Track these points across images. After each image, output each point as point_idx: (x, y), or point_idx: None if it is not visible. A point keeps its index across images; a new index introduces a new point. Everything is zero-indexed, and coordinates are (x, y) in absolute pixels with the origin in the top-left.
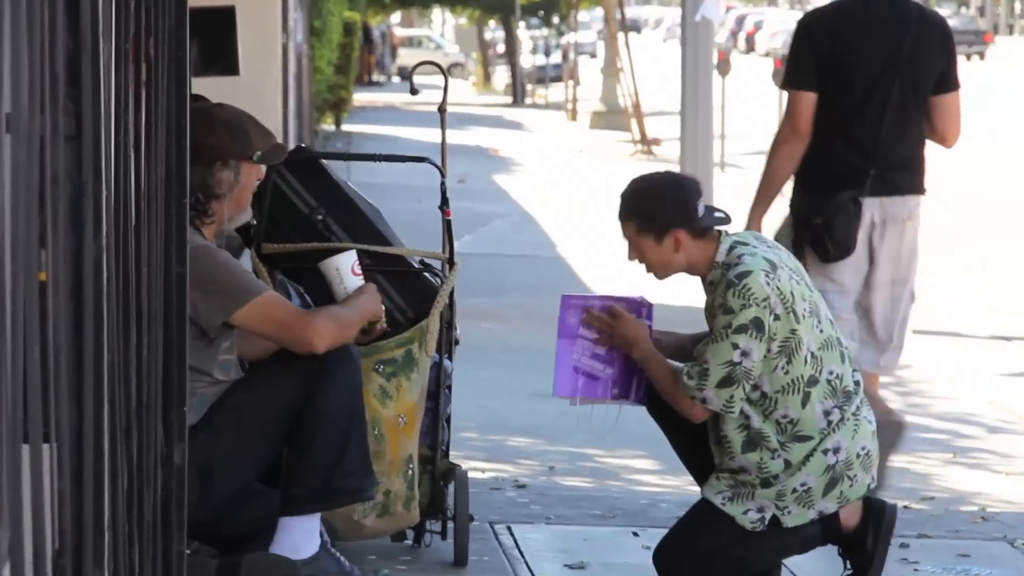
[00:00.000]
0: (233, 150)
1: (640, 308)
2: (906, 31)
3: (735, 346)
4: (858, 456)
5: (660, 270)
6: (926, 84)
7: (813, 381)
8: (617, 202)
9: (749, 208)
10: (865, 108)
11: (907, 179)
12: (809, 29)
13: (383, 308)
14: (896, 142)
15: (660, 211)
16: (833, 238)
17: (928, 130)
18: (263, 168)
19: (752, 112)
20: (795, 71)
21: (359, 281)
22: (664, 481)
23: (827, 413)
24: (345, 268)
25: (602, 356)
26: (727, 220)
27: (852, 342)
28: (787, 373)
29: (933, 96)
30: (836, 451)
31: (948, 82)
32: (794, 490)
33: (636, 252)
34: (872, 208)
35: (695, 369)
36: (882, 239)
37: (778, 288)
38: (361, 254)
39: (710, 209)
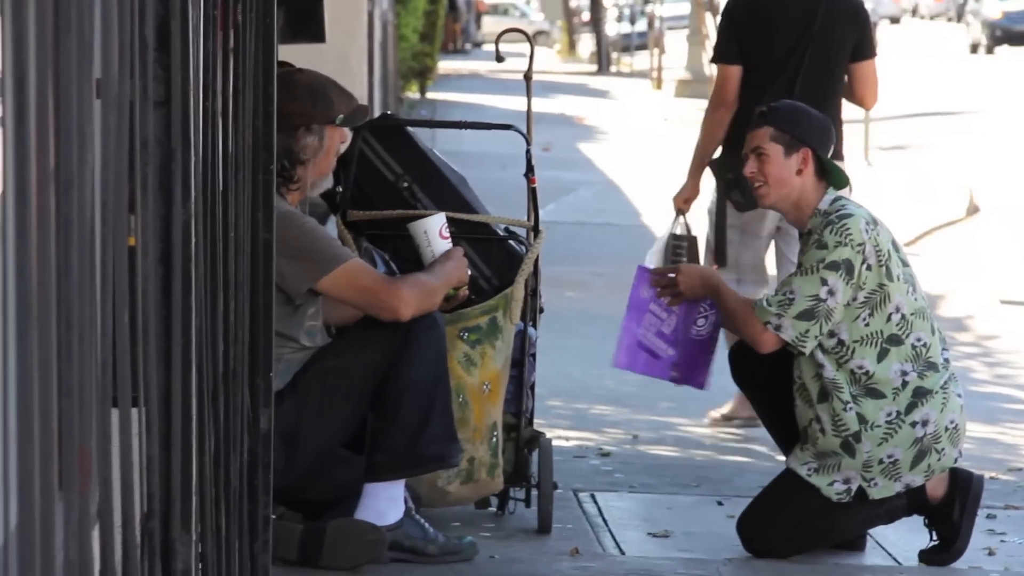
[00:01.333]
0: (316, 115)
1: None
2: (818, 6)
3: (824, 281)
4: (946, 430)
5: (773, 187)
6: (840, 53)
7: (896, 340)
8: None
9: (688, 171)
10: (780, 75)
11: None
12: (731, 10)
13: (469, 273)
14: (809, 103)
15: (804, 124)
16: (743, 190)
17: (849, 94)
18: (346, 131)
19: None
20: (721, 47)
21: (447, 244)
22: (749, 450)
23: (904, 374)
24: (433, 231)
25: (667, 336)
26: (847, 179)
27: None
28: (867, 325)
29: (851, 64)
30: (924, 424)
31: (864, 51)
32: (881, 461)
33: (758, 163)
34: None
35: (776, 297)
36: None
37: (876, 240)
38: (448, 230)
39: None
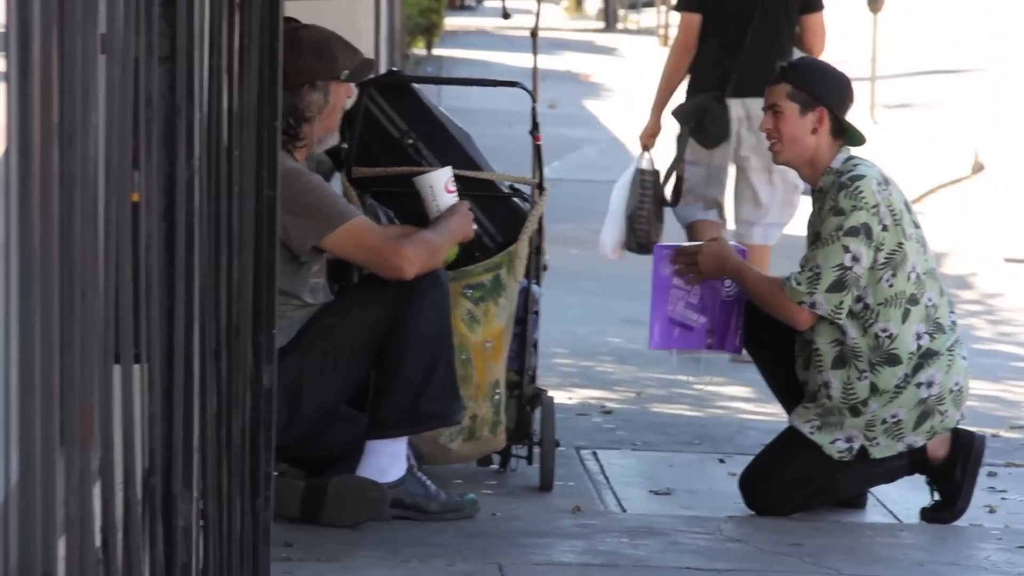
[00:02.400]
0: (320, 71)
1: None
2: None
3: (846, 249)
4: (951, 391)
5: (789, 144)
6: (790, 5)
7: (914, 300)
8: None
9: (650, 109)
10: (732, 24)
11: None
12: None
13: (474, 228)
14: (758, 52)
15: (821, 83)
16: (705, 131)
17: (799, 43)
18: (352, 86)
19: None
20: None
21: (453, 199)
22: (751, 408)
23: (919, 336)
24: (439, 185)
25: (696, 306)
26: (863, 139)
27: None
28: (891, 286)
29: (800, 16)
30: (929, 385)
31: (812, 4)
32: (884, 421)
33: (774, 120)
34: (736, 106)
35: (803, 275)
36: (749, 131)
37: (889, 200)
38: (455, 184)
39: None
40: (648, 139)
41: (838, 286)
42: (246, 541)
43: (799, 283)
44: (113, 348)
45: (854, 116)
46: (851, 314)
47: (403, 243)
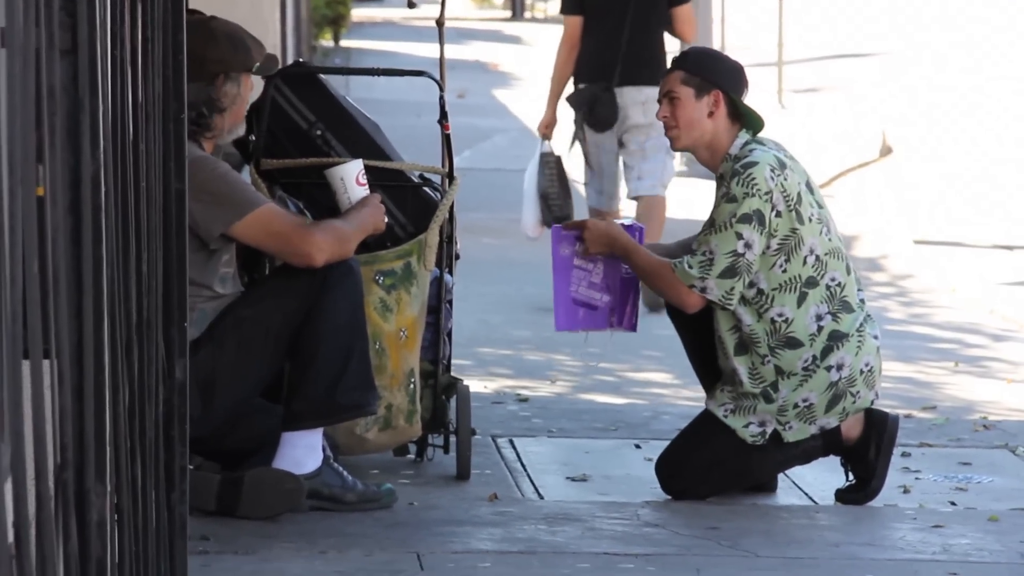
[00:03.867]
0: (235, 62)
1: (632, 231)
2: None
3: (739, 236)
4: (861, 372)
5: (684, 130)
6: (659, 1)
7: (812, 282)
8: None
9: (546, 102)
10: (610, 21)
11: (646, 73)
12: None
13: (385, 220)
14: (636, 45)
15: (714, 67)
16: (596, 116)
17: (672, 31)
18: (253, 79)
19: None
20: (565, 1)
21: (364, 191)
22: (666, 394)
23: (819, 318)
24: (350, 178)
25: (598, 285)
26: (762, 122)
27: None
28: (784, 271)
29: (670, 8)
30: (839, 368)
31: None
32: (796, 405)
33: (670, 107)
34: (620, 94)
35: (696, 259)
36: (628, 117)
37: (783, 186)
38: (366, 177)
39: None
40: (546, 129)
41: (730, 272)
42: (162, 535)
43: (691, 267)
44: (21, 343)
45: (757, 102)
46: (744, 300)
47: (312, 230)
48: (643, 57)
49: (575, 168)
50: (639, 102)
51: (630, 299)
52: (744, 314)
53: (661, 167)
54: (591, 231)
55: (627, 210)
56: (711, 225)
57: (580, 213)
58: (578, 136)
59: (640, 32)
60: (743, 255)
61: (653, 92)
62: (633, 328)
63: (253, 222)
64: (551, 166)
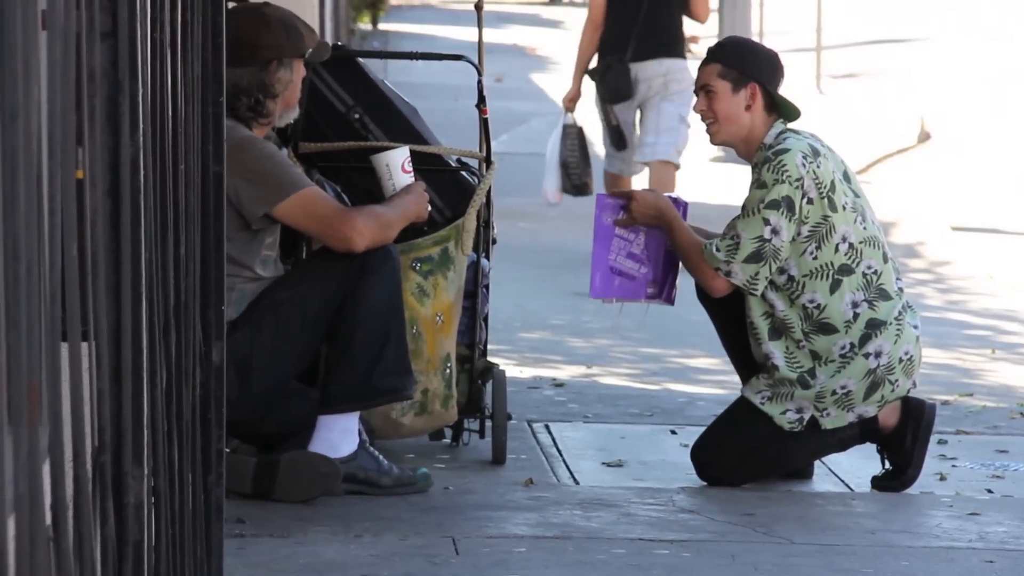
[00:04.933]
0: (288, 48)
1: (678, 205)
2: None
3: (766, 221)
4: (900, 361)
5: (724, 122)
6: None
7: (846, 270)
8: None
9: (572, 77)
10: (631, 2)
11: (663, 48)
12: None
13: (428, 209)
14: (652, 22)
15: (751, 59)
16: (608, 87)
17: (687, 15)
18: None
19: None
20: None
21: (408, 179)
22: (702, 380)
23: (855, 305)
24: (395, 164)
25: (637, 256)
26: (798, 111)
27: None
28: (815, 259)
29: None
30: (878, 355)
31: None
32: (834, 392)
33: (707, 100)
34: (636, 69)
35: (724, 242)
36: (647, 89)
37: (815, 173)
38: (411, 164)
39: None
40: (569, 103)
41: (756, 257)
42: (198, 517)
43: (718, 250)
44: (60, 325)
45: (791, 90)
46: (775, 287)
47: (355, 215)
48: (660, 33)
49: (596, 140)
50: (659, 74)
51: (671, 272)
52: (776, 300)
53: (675, 135)
54: (639, 201)
55: (640, 179)
56: (741, 210)
57: (597, 183)
58: (601, 109)
59: (658, 10)
60: (769, 240)
61: (671, 64)
62: (671, 302)
63: (296, 204)
64: (573, 137)
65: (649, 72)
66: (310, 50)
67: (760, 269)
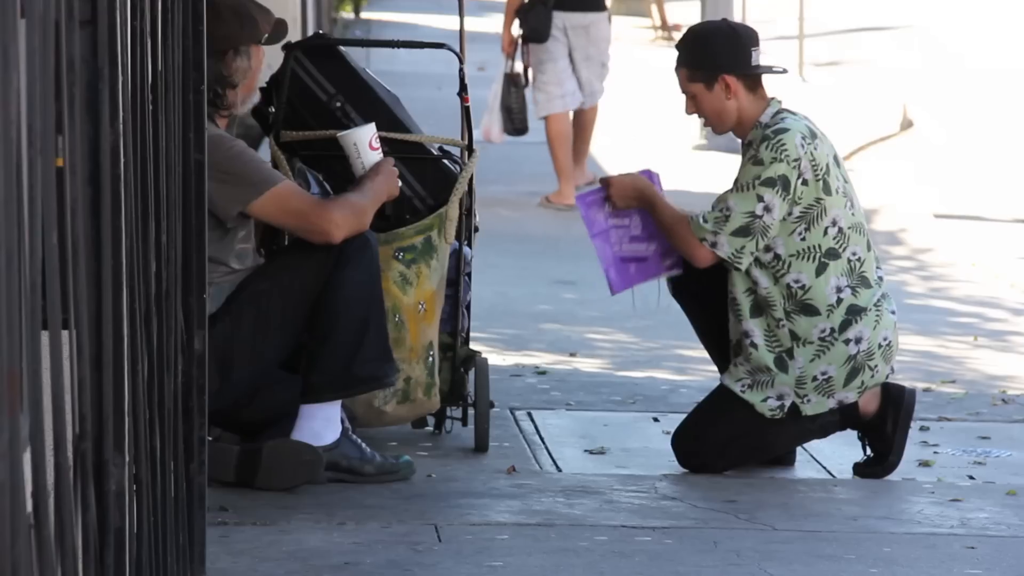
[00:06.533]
0: (243, 36)
1: (650, 177)
2: None
3: (760, 198)
4: (879, 347)
5: (716, 120)
6: None
7: (833, 254)
8: (650, 84)
9: (503, 25)
10: None
11: (585, 1)
12: None
13: (399, 184)
14: None
15: (710, 55)
16: (529, 26)
17: None
18: (265, 49)
19: None
20: None
21: (377, 156)
22: (685, 367)
23: (839, 290)
24: (363, 142)
25: (640, 236)
26: (783, 71)
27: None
28: (804, 240)
29: None
30: (858, 341)
31: None
32: (814, 378)
33: (691, 103)
34: (562, 18)
35: (712, 213)
36: (573, 38)
37: (812, 155)
38: (380, 141)
39: (767, 63)
40: (508, 48)
41: (743, 232)
42: (180, 505)
43: (706, 221)
44: (40, 314)
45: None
46: (760, 264)
47: (330, 207)
48: None
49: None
50: (581, 26)
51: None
52: (761, 276)
53: (599, 84)
54: (616, 186)
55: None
56: (733, 184)
57: (533, 124)
58: (523, 52)
59: None
60: (761, 217)
61: (593, 17)
62: (682, 269)
63: (270, 200)
64: (510, 82)
65: (575, 22)
66: (266, 34)
67: (747, 243)
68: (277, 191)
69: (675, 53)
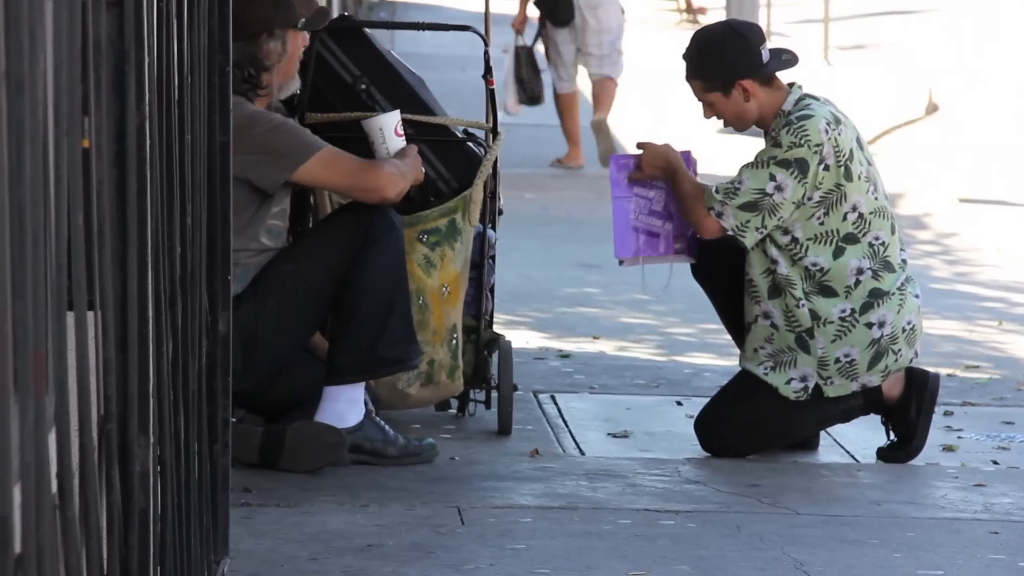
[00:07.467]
0: (277, 20)
1: (686, 160)
2: None
3: (772, 177)
4: (903, 331)
5: (737, 121)
6: None
7: (851, 239)
8: (675, 67)
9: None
10: None
11: None
12: None
13: (423, 171)
14: None
15: (723, 65)
16: (556, 15)
17: None
18: (307, 35)
19: None
20: None
21: (401, 142)
22: (708, 351)
23: (859, 272)
24: (388, 128)
25: (659, 212)
26: (794, 61)
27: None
28: (822, 224)
29: None
30: (881, 325)
31: None
32: (837, 360)
33: (711, 111)
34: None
35: (725, 185)
36: (584, 21)
37: (836, 141)
38: (405, 123)
39: (776, 53)
40: (519, 25)
41: (751, 207)
42: (204, 487)
43: (717, 191)
44: (66, 295)
45: (807, 58)
46: (778, 246)
47: (381, 165)
48: None
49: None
50: (592, 7)
51: (691, 227)
52: (779, 257)
53: (615, 59)
54: (648, 151)
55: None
56: (753, 158)
57: (548, 93)
58: (541, 32)
59: None
60: (770, 195)
61: None
62: (694, 256)
63: (318, 163)
64: (523, 56)
65: (588, 3)
66: (303, 20)
67: (752, 218)
68: (323, 154)
69: (685, 65)
